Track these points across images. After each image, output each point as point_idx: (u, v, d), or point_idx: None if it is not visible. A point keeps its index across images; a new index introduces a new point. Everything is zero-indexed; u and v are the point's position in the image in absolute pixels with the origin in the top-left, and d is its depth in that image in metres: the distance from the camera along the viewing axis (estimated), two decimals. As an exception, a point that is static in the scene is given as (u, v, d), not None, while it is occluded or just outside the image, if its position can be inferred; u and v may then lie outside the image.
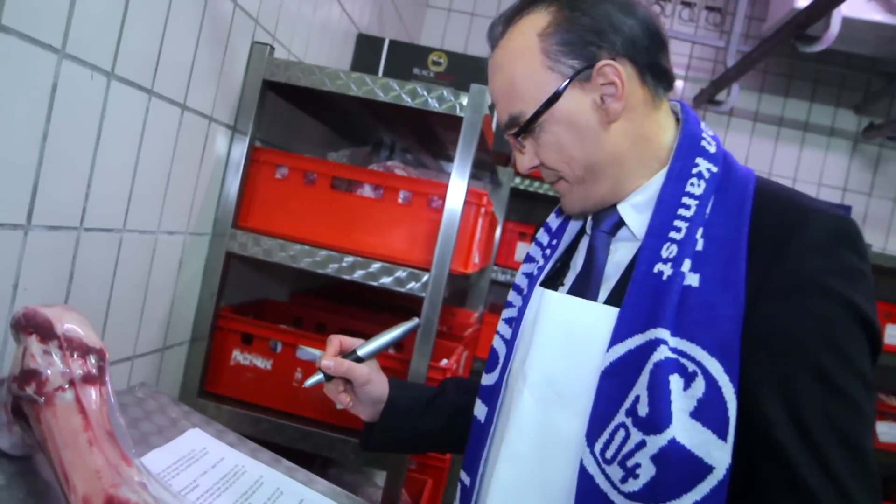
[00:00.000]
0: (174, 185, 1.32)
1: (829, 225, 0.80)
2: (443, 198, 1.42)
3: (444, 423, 1.16)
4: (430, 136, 1.92)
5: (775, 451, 0.77)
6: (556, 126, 0.90)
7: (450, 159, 2.55)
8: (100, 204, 1.10)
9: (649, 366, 0.79)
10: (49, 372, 0.70)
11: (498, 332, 1.05)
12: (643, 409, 0.78)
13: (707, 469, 0.75)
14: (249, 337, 1.54)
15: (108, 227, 1.13)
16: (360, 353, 1.05)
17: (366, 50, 2.23)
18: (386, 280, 1.45)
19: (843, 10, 2.13)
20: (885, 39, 2.66)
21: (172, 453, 0.91)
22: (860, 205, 3.28)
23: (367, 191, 1.52)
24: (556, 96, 0.89)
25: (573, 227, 1.05)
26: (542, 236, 1.09)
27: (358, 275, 1.45)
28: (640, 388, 0.79)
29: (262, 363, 1.54)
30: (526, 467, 0.90)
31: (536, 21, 0.90)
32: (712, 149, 0.91)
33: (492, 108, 1.57)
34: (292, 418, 1.51)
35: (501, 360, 1.00)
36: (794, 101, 3.34)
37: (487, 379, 1.03)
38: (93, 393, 0.71)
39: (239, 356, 1.55)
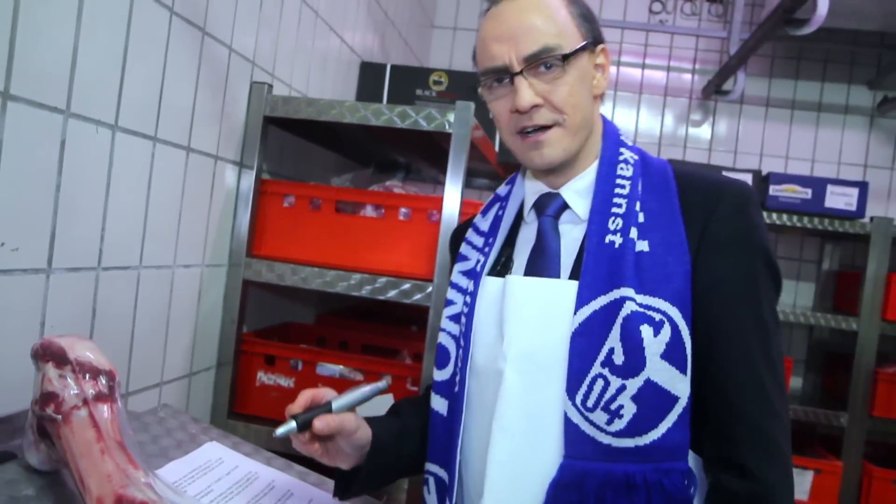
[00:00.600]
0: (186, 222, 1.42)
1: (740, 192, 0.98)
2: (440, 211, 1.50)
3: (419, 444, 1.15)
4: (431, 153, 2.01)
5: (720, 382, 0.93)
6: (577, 72, 1.00)
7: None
8: (115, 244, 1.20)
9: (619, 320, 0.92)
10: (65, 394, 0.80)
11: (444, 330, 1.12)
12: (619, 358, 0.91)
13: (674, 399, 0.91)
14: (272, 358, 1.64)
15: (125, 265, 1.24)
16: (335, 406, 0.99)
17: (369, 77, 2.33)
18: (392, 293, 1.53)
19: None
20: (891, 14, 2.67)
21: (189, 464, 1.00)
22: (883, 179, 3.26)
23: (369, 211, 1.61)
24: (586, 45, 1.01)
25: (505, 224, 1.13)
26: (473, 236, 1.17)
27: (366, 290, 1.54)
28: (613, 340, 0.92)
29: (285, 382, 1.63)
30: (517, 439, 0.97)
31: None
32: (629, 142, 1.08)
33: (490, 128, 1.63)
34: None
35: (453, 355, 1.08)
36: (805, 83, 3.34)
37: (441, 374, 1.10)
38: (104, 409, 0.81)
39: (264, 377, 1.64)
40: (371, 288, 1.54)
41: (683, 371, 0.91)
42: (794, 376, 3.20)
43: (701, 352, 0.93)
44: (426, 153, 2.05)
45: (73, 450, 0.77)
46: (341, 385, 1.60)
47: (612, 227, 0.98)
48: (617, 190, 1.01)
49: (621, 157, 1.05)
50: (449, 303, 1.14)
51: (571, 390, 0.93)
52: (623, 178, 1.02)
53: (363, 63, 2.35)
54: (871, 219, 2.68)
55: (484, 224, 1.16)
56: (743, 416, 0.92)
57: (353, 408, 1.02)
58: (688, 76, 3.43)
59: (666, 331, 0.91)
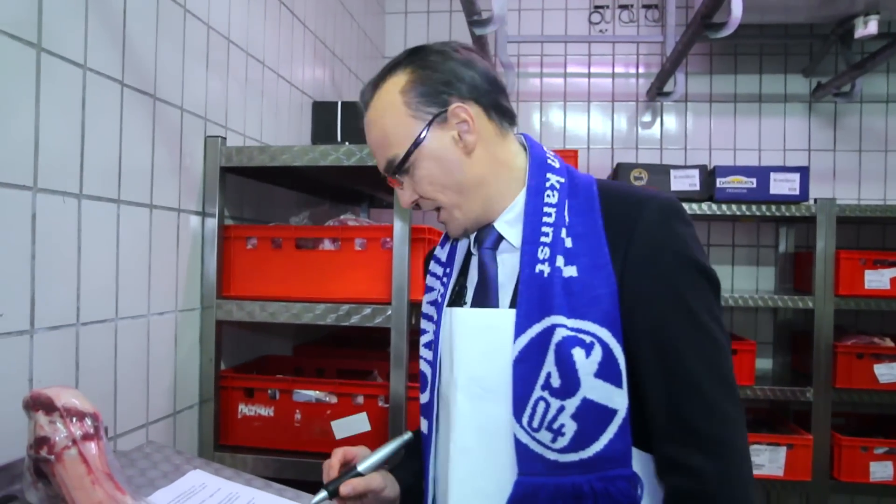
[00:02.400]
0: (156, 273, 1.54)
1: (660, 205, 1.02)
2: (393, 238, 1.62)
3: None
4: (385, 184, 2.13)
5: (658, 391, 0.98)
6: (426, 162, 1.07)
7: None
8: (91, 301, 1.32)
9: (552, 346, 0.98)
10: (56, 437, 0.92)
11: (422, 357, 1.21)
12: (556, 381, 0.98)
13: (612, 413, 0.97)
14: (251, 391, 1.76)
15: (102, 318, 1.36)
16: (361, 468, 1.12)
17: (322, 116, 2.46)
18: (355, 318, 1.65)
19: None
20: (816, 5, 2.83)
21: (174, 491, 1.11)
22: (827, 161, 3.41)
23: (327, 245, 1.73)
24: (420, 138, 1.07)
25: (460, 254, 1.21)
26: (435, 267, 1.25)
27: (331, 318, 1.66)
28: (549, 365, 0.99)
29: (265, 411, 1.75)
30: (473, 456, 1.06)
31: (397, 81, 1.08)
32: (557, 164, 1.12)
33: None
34: (300, 455, 1.71)
35: (430, 379, 1.17)
36: (744, 77, 3.49)
37: (423, 398, 1.19)
38: (92, 446, 0.93)
39: (245, 409, 1.76)
40: (335, 315, 1.66)
41: (619, 385, 0.97)
42: (763, 358, 3.32)
43: (636, 363, 0.99)
44: (382, 184, 2.17)
45: (67, 484, 0.89)
46: (318, 409, 1.71)
47: (540, 256, 1.03)
48: (544, 219, 1.05)
49: (547, 184, 1.09)
50: (423, 332, 1.22)
51: (517, 413, 1.00)
52: (549, 205, 1.06)
53: (315, 103, 2.48)
54: (815, 200, 2.82)
55: (442, 254, 1.24)
56: (681, 419, 0.96)
57: (382, 465, 1.15)
58: (633, 80, 3.58)
59: (597, 351, 0.97)
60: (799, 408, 3.02)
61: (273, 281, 1.72)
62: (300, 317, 1.67)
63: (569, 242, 1.03)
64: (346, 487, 1.09)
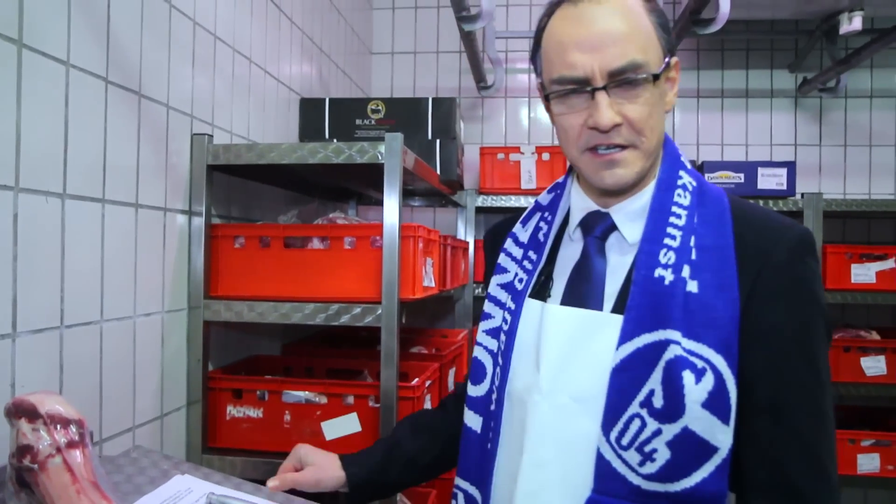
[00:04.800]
0: (142, 273, 1.51)
1: (801, 237, 0.94)
2: (382, 237, 1.61)
3: (410, 470, 1.25)
4: (374, 181, 2.11)
5: (763, 435, 0.91)
6: (658, 90, 0.95)
7: (411, 195, 2.75)
8: (75, 303, 1.29)
9: (662, 363, 0.89)
10: (39, 445, 0.89)
11: (481, 344, 1.09)
12: (658, 402, 0.89)
13: (713, 450, 0.88)
14: (239, 392, 1.73)
15: (86, 321, 1.33)
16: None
17: (309, 113, 2.43)
18: (345, 318, 1.63)
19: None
20: (800, 2, 2.84)
21: (160, 496, 1.09)
22: (813, 156, 3.42)
23: (316, 243, 1.71)
24: (667, 64, 0.95)
25: (549, 239, 1.08)
26: (513, 248, 1.13)
27: (320, 318, 1.64)
28: (654, 382, 0.89)
29: (254, 413, 1.72)
30: (548, 471, 0.97)
31: (641, 4, 0.96)
32: (689, 165, 1.03)
33: (427, 153, 1.72)
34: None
35: (490, 371, 1.06)
36: (730, 72, 3.50)
37: (476, 390, 1.08)
38: (77, 454, 0.90)
39: (233, 410, 1.73)
40: (325, 315, 1.64)
41: (726, 421, 0.88)
42: (751, 352, 3.33)
43: (745, 402, 0.90)
44: (370, 181, 2.16)
45: (51, 494, 0.86)
46: (308, 410, 1.69)
47: (663, 260, 0.93)
48: (672, 219, 0.95)
49: (679, 182, 0.99)
50: (486, 316, 1.10)
51: (607, 426, 0.91)
52: (680, 206, 0.96)
53: (302, 100, 2.45)
54: (802, 195, 2.84)
55: (524, 235, 1.12)
56: (783, 473, 0.89)
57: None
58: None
59: (708, 379, 0.88)
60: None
61: (261, 280, 1.70)
62: (289, 317, 1.65)
63: (694, 254, 0.94)
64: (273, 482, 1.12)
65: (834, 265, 2.79)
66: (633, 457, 0.90)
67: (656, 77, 0.93)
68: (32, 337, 1.19)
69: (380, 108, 2.39)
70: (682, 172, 1.00)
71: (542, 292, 1.06)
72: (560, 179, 1.14)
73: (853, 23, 2.75)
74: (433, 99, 2.36)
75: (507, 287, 1.09)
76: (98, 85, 1.35)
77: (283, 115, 2.33)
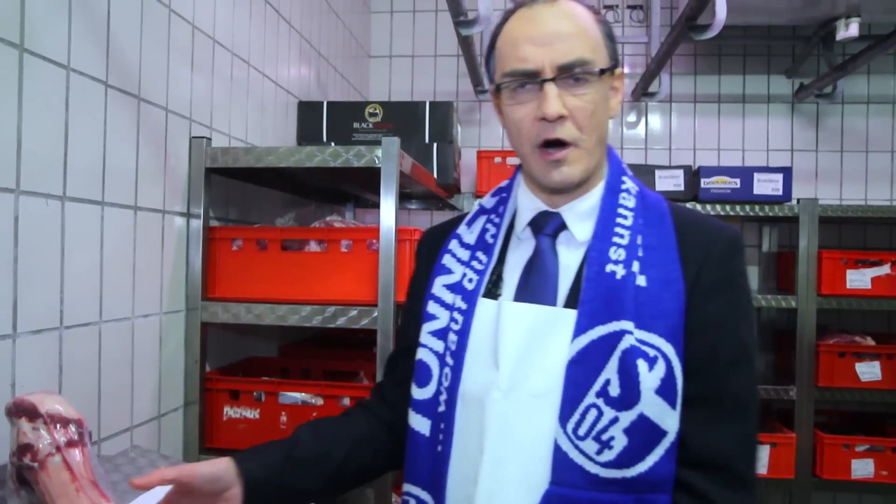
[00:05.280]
0: (141, 275, 1.53)
1: (733, 238, 1.03)
2: (379, 240, 1.62)
3: (314, 475, 1.09)
4: (371, 184, 2.12)
5: (699, 415, 0.96)
6: (602, 91, 1.01)
7: (408, 198, 2.77)
8: (75, 304, 1.31)
9: (617, 353, 0.93)
10: (40, 444, 0.91)
11: (425, 346, 1.07)
12: (615, 390, 0.93)
13: (663, 433, 0.93)
14: (236, 393, 1.75)
15: (86, 321, 1.34)
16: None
17: (307, 116, 2.45)
18: (341, 320, 1.64)
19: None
20: (798, 7, 2.86)
21: (155, 496, 1.10)
22: (809, 162, 3.44)
23: (313, 246, 1.72)
24: (612, 66, 1.02)
25: (497, 239, 1.11)
26: (458, 248, 1.13)
27: (317, 321, 1.66)
28: (610, 372, 0.93)
29: (251, 414, 1.74)
30: (506, 469, 0.97)
31: (591, 14, 1.04)
32: (629, 171, 1.10)
33: (424, 157, 1.73)
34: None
35: (436, 373, 1.05)
36: (728, 77, 3.52)
37: (422, 393, 1.06)
38: (76, 453, 0.92)
39: (230, 411, 1.75)
40: (321, 318, 1.65)
41: (674, 406, 0.93)
42: (747, 356, 3.35)
43: (687, 385, 0.95)
44: (367, 184, 2.17)
45: (51, 492, 0.88)
46: (304, 411, 1.70)
47: (613, 256, 0.99)
48: (619, 220, 1.02)
49: (623, 187, 1.06)
50: (430, 317, 1.09)
51: (564, 417, 0.94)
52: (626, 208, 1.04)
53: (301, 103, 2.47)
54: (798, 200, 2.85)
55: (469, 236, 1.14)
56: (716, 449, 0.95)
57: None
58: (617, 81, 3.59)
59: (660, 366, 0.93)
60: (782, 406, 3.05)
61: (259, 282, 1.71)
62: (286, 319, 1.66)
63: (641, 251, 1.00)
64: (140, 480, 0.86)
65: (829, 271, 2.80)
66: (590, 446, 0.93)
67: (602, 72, 1.00)
68: (32, 337, 1.20)
69: (377, 111, 2.40)
70: (624, 178, 1.08)
71: (492, 291, 1.07)
72: (504, 184, 1.18)
73: (850, 29, 2.77)
74: (430, 103, 2.37)
75: (455, 287, 1.09)
76: (98, 89, 1.36)
77: (281, 119, 2.35)
